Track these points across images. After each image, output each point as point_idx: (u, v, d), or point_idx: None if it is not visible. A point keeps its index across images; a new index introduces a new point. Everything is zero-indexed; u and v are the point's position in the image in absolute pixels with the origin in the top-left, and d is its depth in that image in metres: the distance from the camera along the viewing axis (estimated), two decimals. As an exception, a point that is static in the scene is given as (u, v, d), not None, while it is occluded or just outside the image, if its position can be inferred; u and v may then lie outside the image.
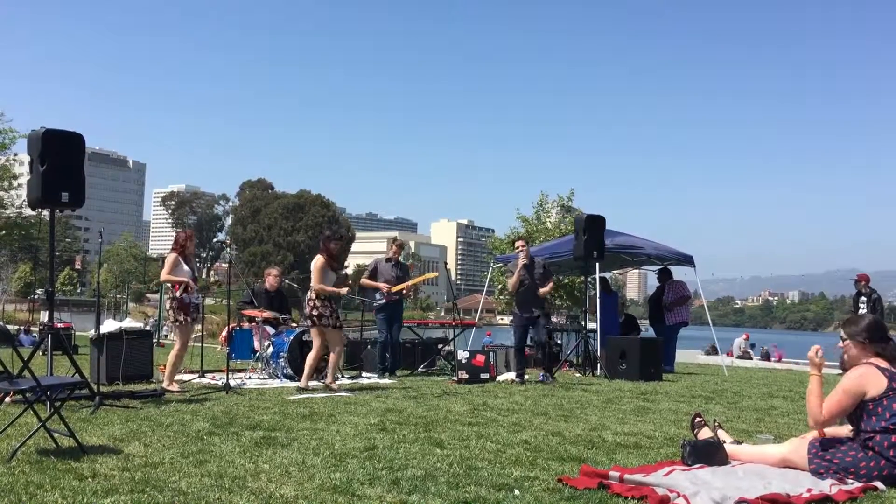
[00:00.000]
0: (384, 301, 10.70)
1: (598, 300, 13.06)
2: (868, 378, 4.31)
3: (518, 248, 10.26)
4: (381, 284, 10.67)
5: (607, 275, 15.53)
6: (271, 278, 11.20)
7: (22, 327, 20.99)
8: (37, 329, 19.90)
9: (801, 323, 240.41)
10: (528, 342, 10.49)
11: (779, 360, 25.13)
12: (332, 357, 8.65)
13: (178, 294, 8.27)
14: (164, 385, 8.06)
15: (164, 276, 8.44)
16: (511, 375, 10.20)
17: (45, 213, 6.98)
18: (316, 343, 8.59)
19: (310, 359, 8.60)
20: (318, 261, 8.56)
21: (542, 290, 9.98)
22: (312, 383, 8.78)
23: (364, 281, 10.76)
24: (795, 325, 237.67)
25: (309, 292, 8.60)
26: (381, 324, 10.76)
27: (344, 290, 8.63)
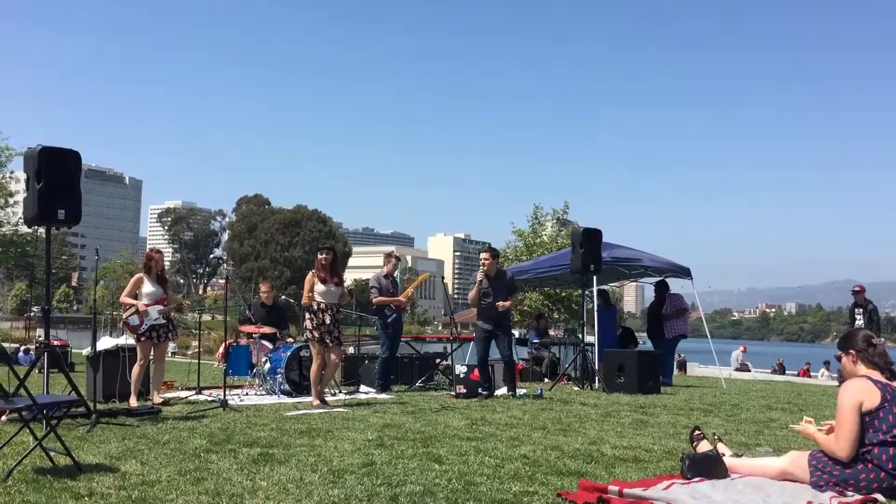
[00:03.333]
0: (396, 315, 10.67)
1: (595, 313, 13.07)
2: (860, 391, 4.31)
3: (481, 260, 10.27)
4: (400, 298, 10.68)
5: (605, 287, 15.53)
6: (267, 292, 11.20)
7: (20, 346, 20.87)
8: (33, 347, 19.83)
9: (798, 334, 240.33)
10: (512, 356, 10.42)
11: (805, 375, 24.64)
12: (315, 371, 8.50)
13: (125, 316, 8.39)
14: (130, 401, 8.16)
15: (122, 296, 8.54)
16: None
17: (42, 230, 6.97)
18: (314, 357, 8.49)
19: (311, 373, 8.52)
20: (308, 276, 8.60)
21: (498, 304, 9.79)
22: (308, 398, 8.75)
23: (382, 299, 10.65)
24: (793, 336, 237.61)
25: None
26: (387, 340, 10.67)
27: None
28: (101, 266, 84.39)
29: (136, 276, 8.62)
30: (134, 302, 8.33)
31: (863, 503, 4.06)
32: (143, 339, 8.35)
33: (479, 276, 10.02)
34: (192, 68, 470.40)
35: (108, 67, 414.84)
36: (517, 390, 9.91)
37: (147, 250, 9.23)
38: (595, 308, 13.24)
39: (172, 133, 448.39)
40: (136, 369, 8.39)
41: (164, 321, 8.46)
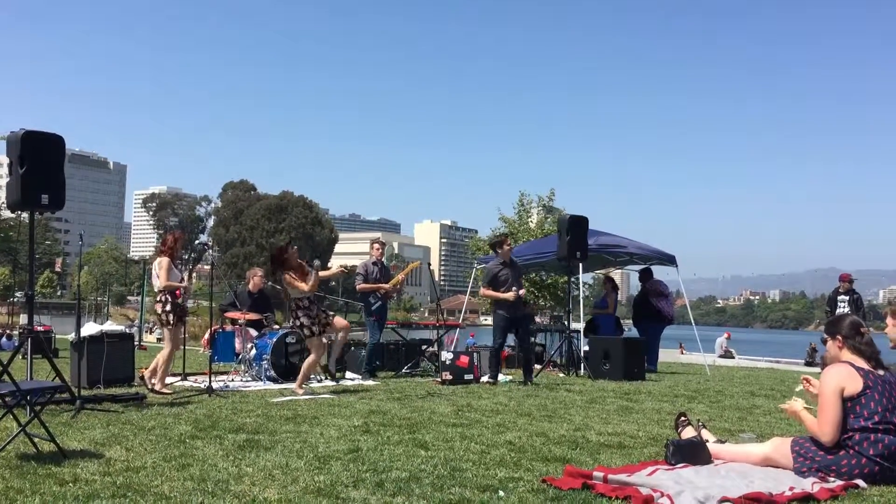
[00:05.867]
0: (381, 303, 10.68)
1: (615, 296, 13.51)
2: (842, 376, 4.34)
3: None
4: (385, 286, 10.69)
5: (590, 275, 15.65)
6: (256, 279, 11.11)
7: (3, 331, 20.73)
8: (16, 332, 19.70)
9: (781, 322, 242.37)
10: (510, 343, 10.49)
11: None
12: (306, 362, 8.50)
13: (178, 300, 8.27)
14: (157, 387, 8.06)
15: (164, 282, 8.22)
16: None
17: (25, 215, 6.91)
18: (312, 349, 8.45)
19: (304, 365, 8.48)
20: (286, 277, 8.30)
21: (521, 292, 9.91)
22: (291, 385, 8.73)
23: (365, 286, 10.65)
24: (776, 324, 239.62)
25: (290, 302, 8.44)
26: (374, 326, 10.69)
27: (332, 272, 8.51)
28: (86, 251, 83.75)
29: (166, 259, 8.33)
30: (182, 284, 8.28)
31: (844, 489, 4.10)
32: (180, 322, 8.32)
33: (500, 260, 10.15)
34: (177, 56, 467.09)
35: (92, 54, 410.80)
36: (497, 377, 9.91)
37: (171, 232, 8.96)
38: (616, 291, 13.68)
39: (158, 118, 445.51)
40: (168, 353, 8.22)
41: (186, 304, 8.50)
